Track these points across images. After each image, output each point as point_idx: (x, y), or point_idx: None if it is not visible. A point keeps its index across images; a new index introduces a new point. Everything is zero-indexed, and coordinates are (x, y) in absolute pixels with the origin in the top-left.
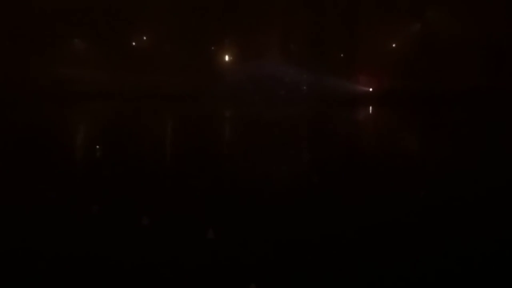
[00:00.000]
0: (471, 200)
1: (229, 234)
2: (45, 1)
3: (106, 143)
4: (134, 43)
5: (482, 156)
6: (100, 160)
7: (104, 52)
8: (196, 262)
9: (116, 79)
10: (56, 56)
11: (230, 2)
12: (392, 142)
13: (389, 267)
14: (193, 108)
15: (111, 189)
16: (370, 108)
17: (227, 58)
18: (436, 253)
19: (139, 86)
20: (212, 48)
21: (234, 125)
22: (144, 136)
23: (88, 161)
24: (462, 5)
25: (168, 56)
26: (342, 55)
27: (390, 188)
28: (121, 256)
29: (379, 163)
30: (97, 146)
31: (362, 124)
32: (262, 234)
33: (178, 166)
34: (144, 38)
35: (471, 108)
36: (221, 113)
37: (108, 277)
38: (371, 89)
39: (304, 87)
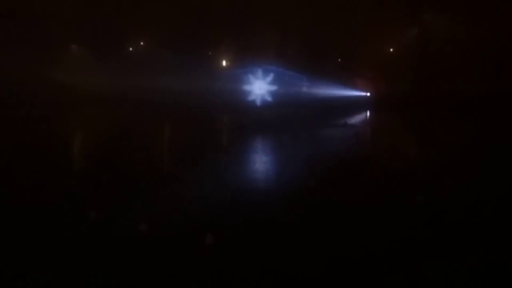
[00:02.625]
0: (472, 203)
1: (228, 240)
2: (45, 6)
3: (106, 148)
4: (131, 49)
5: (482, 160)
6: (100, 165)
7: (103, 57)
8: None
9: (115, 84)
10: (55, 60)
11: (227, 8)
12: (391, 146)
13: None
14: (192, 112)
15: (110, 194)
16: (368, 112)
17: (224, 63)
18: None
19: (138, 91)
20: (210, 53)
21: (233, 130)
22: (142, 141)
23: (87, 165)
24: (461, 8)
25: (166, 61)
26: (339, 59)
27: (390, 192)
28: (120, 263)
29: (378, 167)
30: (97, 151)
31: (361, 129)
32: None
33: (177, 170)
34: (142, 43)
35: (472, 111)
36: (219, 117)
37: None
38: (368, 94)
39: (303, 91)
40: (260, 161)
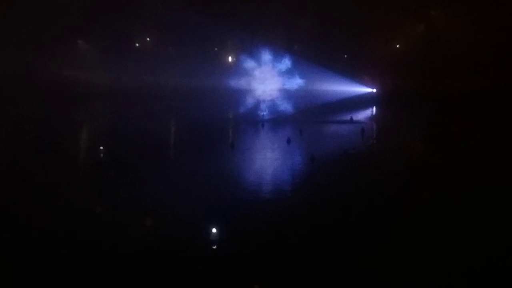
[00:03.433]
0: (479, 199)
1: (233, 234)
2: (50, 4)
3: (109, 142)
4: (137, 44)
5: (487, 155)
6: (103, 159)
7: (108, 54)
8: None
9: (121, 80)
10: (61, 57)
11: (234, 6)
12: (398, 141)
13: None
14: (195, 109)
15: (114, 188)
16: (374, 108)
17: (230, 59)
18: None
19: (143, 87)
20: (216, 49)
21: (239, 127)
22: (146, 136)
23: (92, 160)
24: (467, 7)
25: (171, 57)
26: (346, 56)
27: (394, 188)
28: (125, 255)
29: (383, 164)
30: (101, 147)
31: (367, 125)
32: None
33: (181, 165)
34: (148, 39)
35: (478, 108)
36: (224, 114)
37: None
38: (374, 90)
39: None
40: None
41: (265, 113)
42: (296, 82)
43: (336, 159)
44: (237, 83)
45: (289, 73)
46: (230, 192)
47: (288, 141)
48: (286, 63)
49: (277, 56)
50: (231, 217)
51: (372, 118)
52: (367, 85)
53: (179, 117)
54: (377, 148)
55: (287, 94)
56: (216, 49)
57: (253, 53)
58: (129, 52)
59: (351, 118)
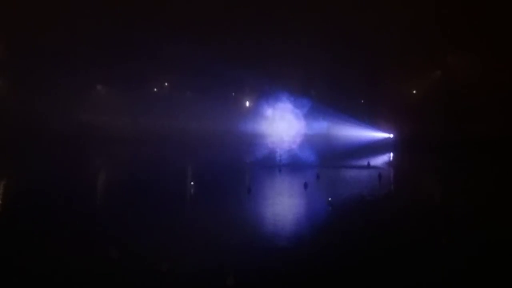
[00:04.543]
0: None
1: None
2: (71, 48)
3: (126, 186)
4: (155, 89)
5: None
6: (122, 200)
7: (126, 99)
8: None
9: (137, 124)
10: (79, 102)
11: (251, 51)
12: (416, 187)
13: None
14: (213, 153)
15: (132, 230)
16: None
17: (248, 103)
18: None
19: (160, 131)
20: (233, 93)
21: (256, 171)
22: (163, 179)
23: (109, 201)
24: (484, 51)
25: (189, 102)
26: (362, 101)
27: (415, 232)
28: None
29: (401, 208)
30: (120, 188)
31: (385, 171)
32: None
33: (198, 210)
34: (166, 84)
35: (498, 153)
36: (241, 159)
37: None
38: (392, 135)
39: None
40: None
41: (281, 157)
42: (313, 127)
43: (354, 205)
44: (254, 127)
45: (306, 118)
46: (246, 239)
47: (305, 186)
48: (303, 108)
49: (294, 101)
50: (246, 265)
51: (389, 163)
52: (384, 130)
53: (197, 161)
54: (395, 194)
55: (304, 139)
56: (233, 93)
57: (269, 98)
58: (147, 97)
59: (369, 164)
